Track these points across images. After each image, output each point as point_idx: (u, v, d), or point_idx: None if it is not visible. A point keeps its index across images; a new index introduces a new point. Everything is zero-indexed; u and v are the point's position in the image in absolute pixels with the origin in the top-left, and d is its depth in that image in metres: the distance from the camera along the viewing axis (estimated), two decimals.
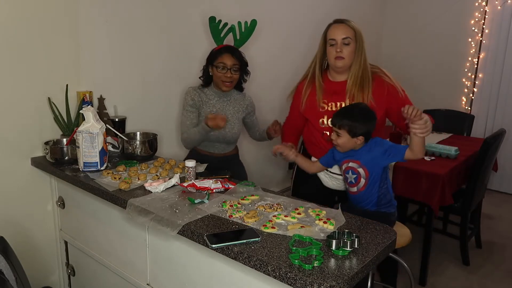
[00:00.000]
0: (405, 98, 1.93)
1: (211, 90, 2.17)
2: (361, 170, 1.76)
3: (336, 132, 1.76)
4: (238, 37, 2.30)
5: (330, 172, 2.01)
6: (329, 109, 1.94)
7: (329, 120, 1.91)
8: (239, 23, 2.28)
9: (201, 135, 2.06)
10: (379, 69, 1.97)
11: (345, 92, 1.91)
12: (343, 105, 1.91)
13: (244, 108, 2.22)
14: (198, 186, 1.60)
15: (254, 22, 2.28)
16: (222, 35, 2.25)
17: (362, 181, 1.76)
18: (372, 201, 1.79)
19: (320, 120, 1.95)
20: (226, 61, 2.06)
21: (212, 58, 2.11)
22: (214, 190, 1.60)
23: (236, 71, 2.10)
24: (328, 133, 1.93)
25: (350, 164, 1.79)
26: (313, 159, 2.04)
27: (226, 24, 2.26)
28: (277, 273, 1.07)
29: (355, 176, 1.78)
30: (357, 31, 1.89)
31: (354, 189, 1.80)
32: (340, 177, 1.97)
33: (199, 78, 2.19)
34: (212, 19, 2.23)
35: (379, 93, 1.90)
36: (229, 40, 2.27)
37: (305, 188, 2.11)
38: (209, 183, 1.61)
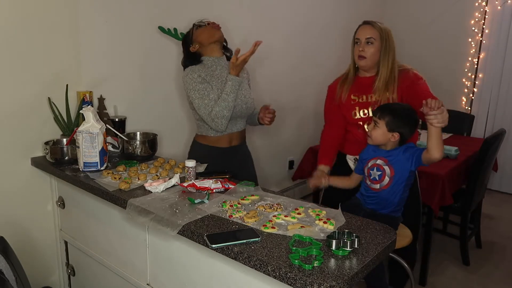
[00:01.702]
0: (427, 86, 1.95)
1: (207, 61, 2.00)
2: (386, 168, 1.76)
3: (374, 122, 1.76)
4: None
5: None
6: (360, 100, 2.02)
7: (361, 110, 1.99)
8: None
9: (234, 91, 1.89)
10: (405, 67, 2.02)
11: (372, 87, 1.98)
12: (371, 98, 1.98)
13: (243, 74, 2.07)
14: (198, 186, 1.60)
15: (182, 34, 2.30)
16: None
17: (386, 179, 1.76)
18: (393, 204, 1.78)
19: (353, 112, 2.02)
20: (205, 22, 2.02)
21: (189, 36, 2.03)
22: (214, 190, 1.60)
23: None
24: (362, 123, 1.99)
25: (378, 162, 1.79)
26: (349, 158, 2.07)
27: (176, 29, 2.47)
28: (277, 273, 1.07)
29: (379, 173, 1.77)
30: (383, 32, 1.96)
31: (377, 186, 1.79)
32: None
33: (181, 64, 2.07)
34: (161, 29, 2.42)
35: (402, 86, 1.95)
36: None
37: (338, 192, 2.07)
38: (209, 183, 1.61)
